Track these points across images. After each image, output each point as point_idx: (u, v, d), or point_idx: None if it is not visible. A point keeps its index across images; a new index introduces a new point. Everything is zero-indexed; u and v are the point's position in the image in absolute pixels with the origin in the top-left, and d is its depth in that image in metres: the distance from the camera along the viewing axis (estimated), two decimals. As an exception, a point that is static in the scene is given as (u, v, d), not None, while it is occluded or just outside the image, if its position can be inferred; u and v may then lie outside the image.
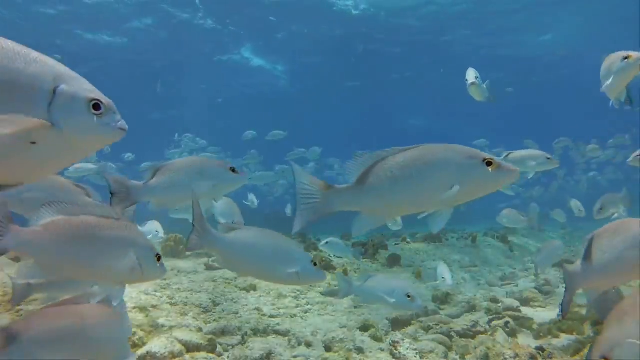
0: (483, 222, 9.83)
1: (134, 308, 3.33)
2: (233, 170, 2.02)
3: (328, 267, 5.14)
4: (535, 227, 4.89)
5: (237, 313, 3.72)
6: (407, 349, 3.16)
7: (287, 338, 3.36)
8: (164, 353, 2.71)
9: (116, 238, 1.51)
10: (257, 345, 3.01)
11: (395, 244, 7.40)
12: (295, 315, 3.87)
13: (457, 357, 3.13)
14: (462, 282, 5.64)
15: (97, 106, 1.04)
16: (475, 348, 3.06)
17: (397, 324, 3.72)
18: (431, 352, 3.11)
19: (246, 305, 3.91)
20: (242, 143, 9.63)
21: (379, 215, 1.58)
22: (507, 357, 2.79)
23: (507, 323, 3.59)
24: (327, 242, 4.50)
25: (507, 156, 3.49)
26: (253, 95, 19.88)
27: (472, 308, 4.13)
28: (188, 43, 15.24)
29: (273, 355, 2.91)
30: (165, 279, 4.25)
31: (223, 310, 3.74)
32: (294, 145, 9.74)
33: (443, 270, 3.43)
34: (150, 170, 2.01)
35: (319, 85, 18.91)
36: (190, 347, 2.90)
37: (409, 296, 2.50)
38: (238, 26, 14.60)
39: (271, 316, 3.78)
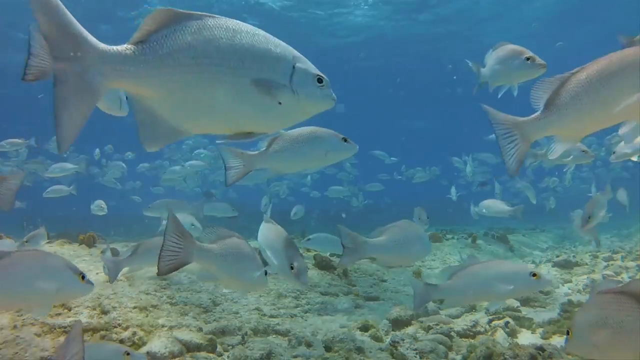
0: (483, 222, 9.84)
1: (134, 308, 3.33)
2: (345, 140, 2.18)
3: (327, 266, 5.13)
4: (520, 218, 4.80)
5: (237, 313, 3.72)
6: (407, 349, 3.16)
7: (287, 338, 3.36)
8: (164, 353, 2.72)
9: (249, 255, 1.95)
10: (257, 345, 3.01)
11: (395, 244, 7.40)
12: (295, 315, 3.87)
13: (457, 357, 3.13)
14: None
15: (320, 80, 1.41)
16: (475, 348, 3.06)
17: (397, 324, 3.72)
18: (431, 352, 3.10)
19: (246, 305, 3.91)
20: (244, 142, 9.61)
21: (572, 136, 1.60)
22: (507, 357, 2.79)
23: (507, 323, 3.58)
24: (309, 239, 3.92)
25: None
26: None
27: (472, 308, 4.13)
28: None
29: (273, 355, 2.91)
30: (164, 279, 4.25)
31: (223, 310, 3.74)
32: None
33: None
34: (267, 140, 2.19)
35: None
36: (190, 347, 2.90)
37: (534, 275, 2.12)
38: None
39: (271, 316, 3.78)
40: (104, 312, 3.14)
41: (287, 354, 2.98)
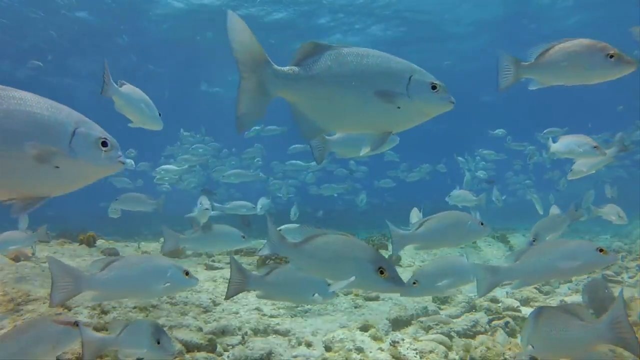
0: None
1: (134, 308, 3.33)
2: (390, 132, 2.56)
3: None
4: (484, 206, 5.18)
5: (237, 313, 3.72)
6: (407, 349, 3.16)
7: (287, 338, 3.36)
8: (164, 353, 2.71)
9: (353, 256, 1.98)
10: (257, 345, 3.01)
11: (395, 244, 7.39)
12: (295, 315, 3.87)
13: (457, 357, 3.13)
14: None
15: (435, 87, 1.71)
16: (475, 348, 3.06)
17: (397, 324, 3.71)
18: (431, 352, 3.10)
19: (246, 305, 3.91)
20: (243, 140, 9.54)
21: None
22: (507, 357, 2.79)
23: (507, 323, 3.58)
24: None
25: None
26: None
27: (472, 308, 4.13)
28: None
29: (273, 355, 2.91)
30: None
31: (223, 310, 3.74)
32: (295, 142, 9.61)
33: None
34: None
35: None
36: (190, 347, 2.90)
37: (601, 250, 2.13)
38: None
39: (271, 316, 3.78)
40: (104, 312, 3.14)
41: (287, 354, 2.99)
